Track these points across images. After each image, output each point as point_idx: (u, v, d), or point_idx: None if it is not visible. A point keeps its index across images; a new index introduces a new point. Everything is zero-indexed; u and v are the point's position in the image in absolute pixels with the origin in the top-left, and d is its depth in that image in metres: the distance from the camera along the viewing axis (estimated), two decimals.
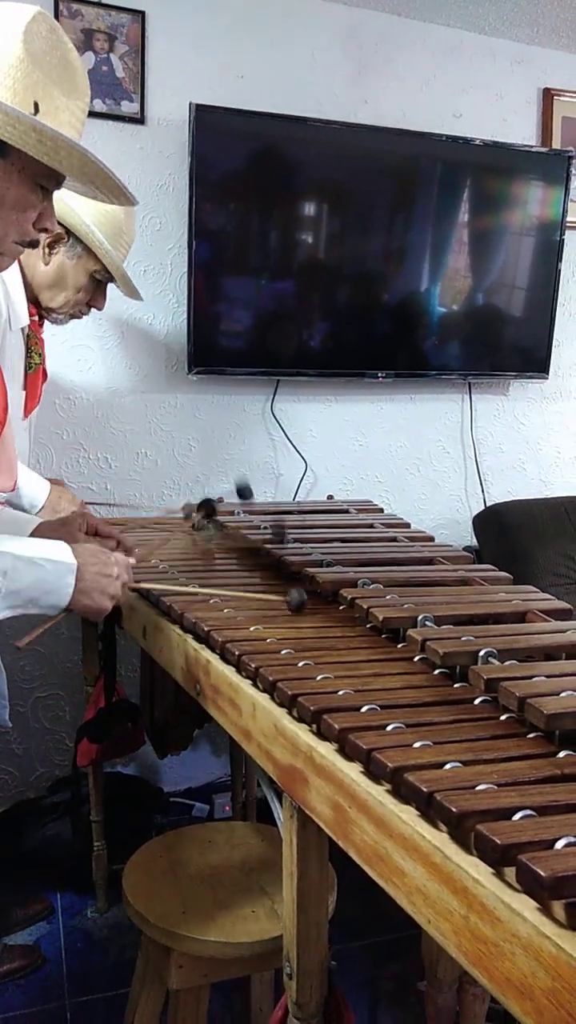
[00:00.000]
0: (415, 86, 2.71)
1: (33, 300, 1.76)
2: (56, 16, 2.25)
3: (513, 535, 2.60)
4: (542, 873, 0.59)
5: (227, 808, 2.48)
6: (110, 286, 1.86)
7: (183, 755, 2.10)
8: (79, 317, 1.87)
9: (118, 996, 1.78)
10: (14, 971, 1.90)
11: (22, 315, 1.71)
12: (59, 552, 1.12)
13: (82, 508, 1.76)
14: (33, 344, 1.77)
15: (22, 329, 1.73)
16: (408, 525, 1.94)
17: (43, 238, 1.33)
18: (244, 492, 1.87)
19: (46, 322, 1.86)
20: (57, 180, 1.07)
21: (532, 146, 2.85)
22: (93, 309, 1.85)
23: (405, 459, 2.85)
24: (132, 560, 1.27)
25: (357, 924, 1.93)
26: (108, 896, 2.12)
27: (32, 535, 1.30)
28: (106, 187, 1.09)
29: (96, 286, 1.81)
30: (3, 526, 1.29)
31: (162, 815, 2.45)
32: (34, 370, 1.77)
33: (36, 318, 1.79)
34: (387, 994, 1.85)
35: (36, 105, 0.99)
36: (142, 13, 2.35)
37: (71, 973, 1.92)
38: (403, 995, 1.82)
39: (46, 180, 1.06)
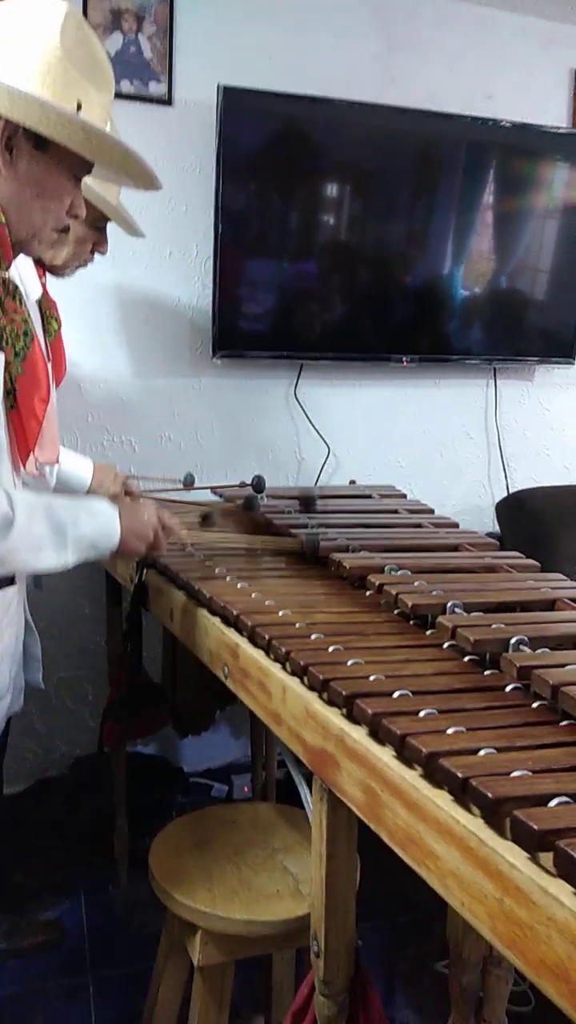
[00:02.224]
0: (444, 65, 2.67)
1: (36, 261, 1.76)
2: None
3: (537, 521, 2.59)
4: None
5: (246, 789, 2.50)
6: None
7: (203, 735, 2.12)
8: (85, 266, 1.86)
9: (140, 971, 1.81)
10: (37, 945, 1.94)
11: (36, 286, 1.72)
12: (103, 504, 1.26)
13: (125, 481, 1.86)
14: (47, 308, 1.79)
15: (36, 301, 1.74)
16: (432, 511, 1.94)
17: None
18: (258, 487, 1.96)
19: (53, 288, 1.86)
20: (88, 169, 1.14)
21: (561, 128, 2.81)
22: (98, 254, 1.84)
23: (428, 444, 2.84)
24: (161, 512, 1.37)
25: (375, 904, 1.95)
26: (130, 873, 2.15)
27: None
28: (140, 176, 1.17)
29: (96, 231, 1.80)
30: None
31: (182, 795, 2.48)
32: (54, 336, 1.79)
33: (43, 279, 1.79)
34: (405, 974, 1.87)
35: (79, 104, 1.06)
36: None
37: (93, 948, 1.96)
38: (421, 976, 1.84)
39: (80, 170, 1.13)
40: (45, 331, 1.76)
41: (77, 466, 1.85)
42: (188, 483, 2.03)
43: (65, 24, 1.07)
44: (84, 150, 1.08)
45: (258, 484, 1.97)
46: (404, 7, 2.60)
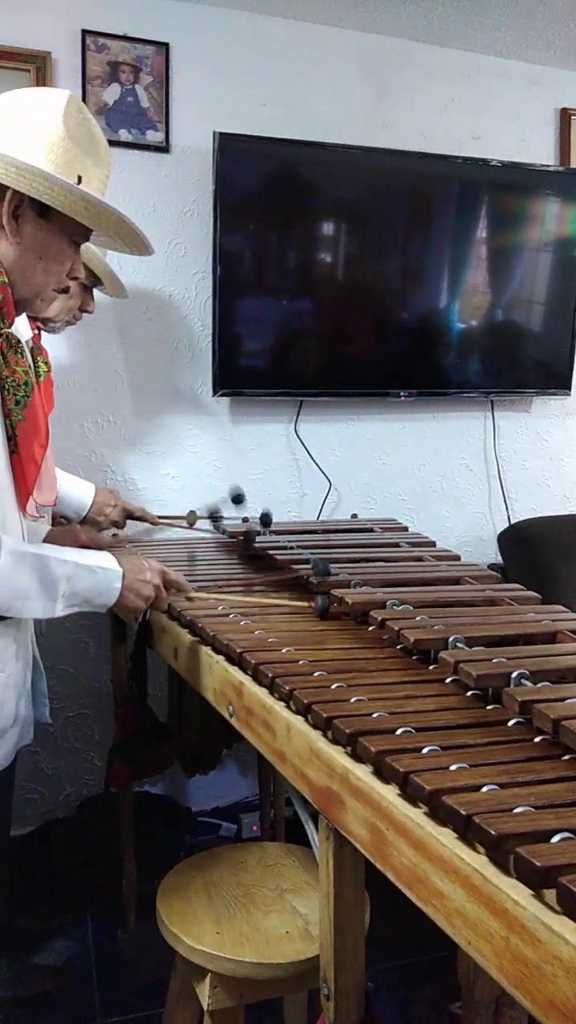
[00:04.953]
0: (434, 109, 2.74)
1: (31, 316, 1.87)
2: (83, 50, 2.31)
3: (539, 552, 2.60)
4: None
5: (255, 828, 2.48)
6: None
7: (210, 774, 2.11)
8: (74, 323, 2.00)
9: (151, 1017, 1.79)
10: (42, 993, 1.91)
11: (25, 330, 1.80)
12: (109, 561, 1.29)
13: (120, 504, 2.07)
14: (37, 355, 1.89)
15: (26, 343, 1.83)
16: (434, 544, 1.95)
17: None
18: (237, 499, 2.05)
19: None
20: (87, 236, 1.24)
21: (550, 165, 2.87)
22: (84, 313, 1.98)
23: (428, 477, 2.86)
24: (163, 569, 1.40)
25: (389, 945, 1.92)
26: (138, 916, 2.13)
27: (45, 539, 1.56)
28: (133, 242, 1.26)
29: (84, 290, 1.95)
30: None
31: (190, 835, 2.46)
32: (44, 378, 1.91)
33: (36, 331, 1.92)
34: (420, 1016, 1.84)
35: (79, 177, 1.17)
36: (166, 45, 2.41)
37: (102, 993, 1.93)
38: (438, 1017, 1.81)
39: (79, 236, 1.23)
40: (36, 373, 1.87)
41: (79, 489, 1.99)
42: (236, 499, 2.06)
43: (67, 108, 1.18)
44: (84, 218, 1.18)
45: (265, 518, 2.05)
46: (392, 54, 2.68)
